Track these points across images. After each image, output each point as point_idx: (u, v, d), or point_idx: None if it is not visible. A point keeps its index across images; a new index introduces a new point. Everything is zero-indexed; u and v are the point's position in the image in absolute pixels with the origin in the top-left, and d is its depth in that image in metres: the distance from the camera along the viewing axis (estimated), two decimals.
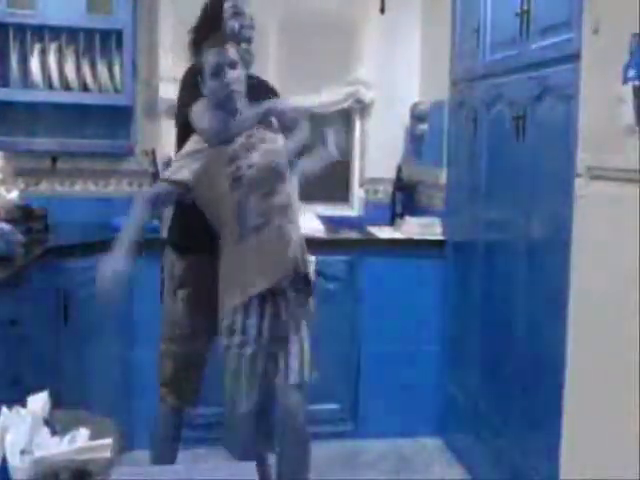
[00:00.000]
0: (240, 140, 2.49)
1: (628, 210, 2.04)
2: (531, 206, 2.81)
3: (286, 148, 2.59)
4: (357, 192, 4.37)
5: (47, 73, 3.67)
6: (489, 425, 3.22)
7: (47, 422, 1.57)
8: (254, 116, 2.51)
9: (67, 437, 1.54)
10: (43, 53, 3.66)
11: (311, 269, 2.74)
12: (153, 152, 3.87)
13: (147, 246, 3.45)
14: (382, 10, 4.17)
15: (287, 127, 2.61)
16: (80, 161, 4.00)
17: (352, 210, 4.37)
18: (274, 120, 2.61)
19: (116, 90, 3.76)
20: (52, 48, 3.66)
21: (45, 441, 1.51)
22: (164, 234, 3.04)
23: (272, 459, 2.72)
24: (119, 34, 3.72)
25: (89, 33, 3.71)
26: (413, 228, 3.83)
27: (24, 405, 1.60)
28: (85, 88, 3.72)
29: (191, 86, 2.54)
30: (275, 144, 2.56)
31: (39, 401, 1.63)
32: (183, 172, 2.48)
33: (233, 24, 2.57)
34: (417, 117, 4.05)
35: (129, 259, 2.37)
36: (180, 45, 2.75)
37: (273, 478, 2.70)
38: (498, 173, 3.15)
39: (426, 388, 3.79)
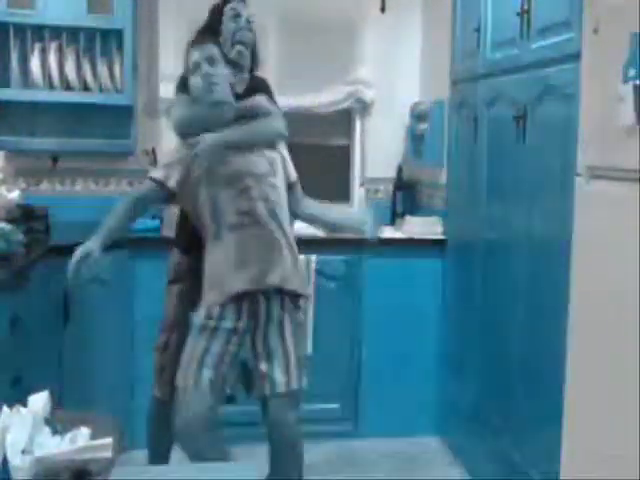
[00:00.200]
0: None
1: (628, 210, 2.04)
2: (531, 206, 2.81)
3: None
4: (357, 192, 4.37)
5: (47, 73, 3.67)
6: (489, 425, 3.22)
7: (48, 422, 1.58)
8: (233, 135, 2.52)
9: (68, 437, 1.54)
10: (43, 53, 3.67)
11: (305, 287, 2.70)
12: (153, 152, 3.87)
13: (147, 246, 3.49)
14: (382, 10, 4.18)
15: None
16: (80, 161, 4.00)
17: (353, 209, 4.37)
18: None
19: (116, 90, 3.76)
20: (52, 48, 3.66)
21: (46, 441, 1.51)
22: (164, 234, 3.04)
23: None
24: (119, 34, 3.72)
25: (89, 33, 3.71)
26: (413, 228, 3.83)
27: (25, 405, 1.61)
28: (85, 88, 3.73)
29: (181, 86, 2.60)
30: (265, 156, 2.57)
31: (40, 401, 1.63)
32: (170, 177, 2.51)
33: (230, 26, 2.59)
34: (417, 117, 4.05)
35: (99, 246, 2.44)
36: (181, 44, 2.76)
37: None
38: (498, 173, 3.15)
39: (426, 388, 3.79)
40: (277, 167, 2.57)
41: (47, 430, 1.55)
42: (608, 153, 2.19)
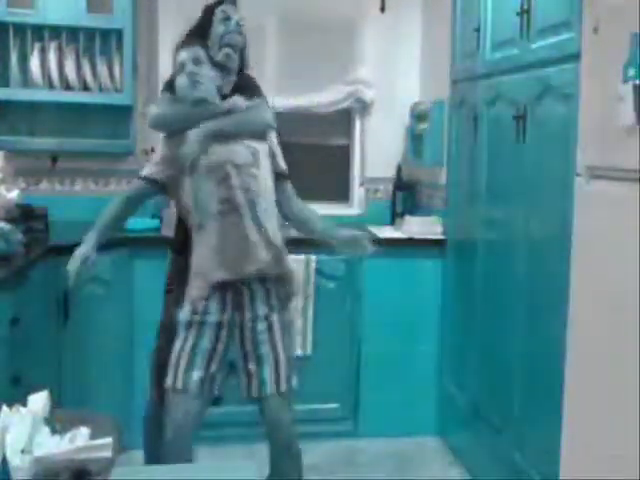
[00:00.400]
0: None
1: (628, 210, 2.04)
2: (531, 205, 2.81)
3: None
4: (357, 191, 4.37)
5: (47, 72, 3.67)
6: (489, 425, 3.22)
7: (47, 421, 1.58)
8: (206, 131, 2.53)
9: (67, 436, 1.54)
10: (43, 52, 3.67)
11: (289, 280, 2.60)
12: (153, 152, 3.85)
13: (147, 246, 3.49)
14: (382, 9, 4.18)
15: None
16: (80, 161, 4.00)
17: (352, 209, 4.37)
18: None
19: (116, 90, 3.76)
20: (52, 47, 3.66)
21: (45, 440, 1.51)
22: (164, 233, 3.04)
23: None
24: (119, 34, 3.72)
25: (89, 32, 3.71)
26: (413, 227, 3.83)
27: (24, 404, 1.61)
28: (85, 87, 3.73)
29: (167, 87, 2.64)
30: (251, 147, 2.57)
31: (39, 400, 1.63)
32: (159, 172, 2.56)
33: (219, 28, 2.61)
34: (417, 116, 4.05)
35: (93, 247, 2.52)
36: None
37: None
38: (498, 172, 3.15)
39: (426, 388, 3.80)
40: (260, 158, 2.57)
41: (46, 430, 1.55)
42: (608, 153, 2.18)
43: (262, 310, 2.52)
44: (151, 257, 3.23)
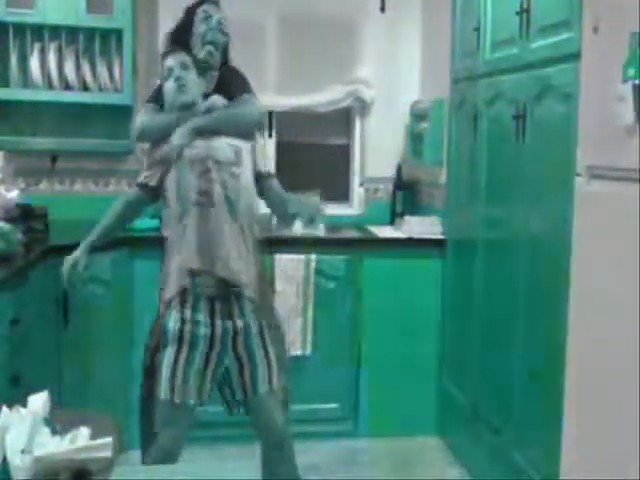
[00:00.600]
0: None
1: (628, 210, 2.04)
2: (531, 205, 2.81)
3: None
4: (357, 191, 4.38)
5: (47, 72, 3.67)
6: (489, 425, 3.22)
7: (47, 422, 1.58)
8: (187, 130, 2.54)
9: (67, 436, 1.54)
10: (43, 52, 3.67)
11: (249, 289, 2.56)
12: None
13: (147, 246, 3.48)
14: (382, 9, 4.17)
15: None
16: (80, 161, 4.00)
17: (352, 209, 4.38)
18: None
19: (116, 90, 3.77)
20: (52, 47, 3.67)
21: (45, 440, 1.51)
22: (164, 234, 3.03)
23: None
24: (119, 34, 3.72)
25: (89, 32, 3.71)
26: (413, 227, 3.83)
27: (24, 405, 1.61)
28: (85, 87, 3.73)
29: (152, 96, 2.68)
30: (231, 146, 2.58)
31: (39, 401, 1.63)
32: (152, 177, 2.58)
33: (201, 27, 2.63)
34: (417, 116, 4.05)
35: (84, 253, 2.61)
36: None
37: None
38: (498, 172, 3.15)
39: (426, 388, 3.80)
40: (243, 157, 2.57)
41: (47, 430, 1.54)
42: (608, 153, 2.18)
43: (251, 316, 2.55)
44: (151, 257, 3.22)
